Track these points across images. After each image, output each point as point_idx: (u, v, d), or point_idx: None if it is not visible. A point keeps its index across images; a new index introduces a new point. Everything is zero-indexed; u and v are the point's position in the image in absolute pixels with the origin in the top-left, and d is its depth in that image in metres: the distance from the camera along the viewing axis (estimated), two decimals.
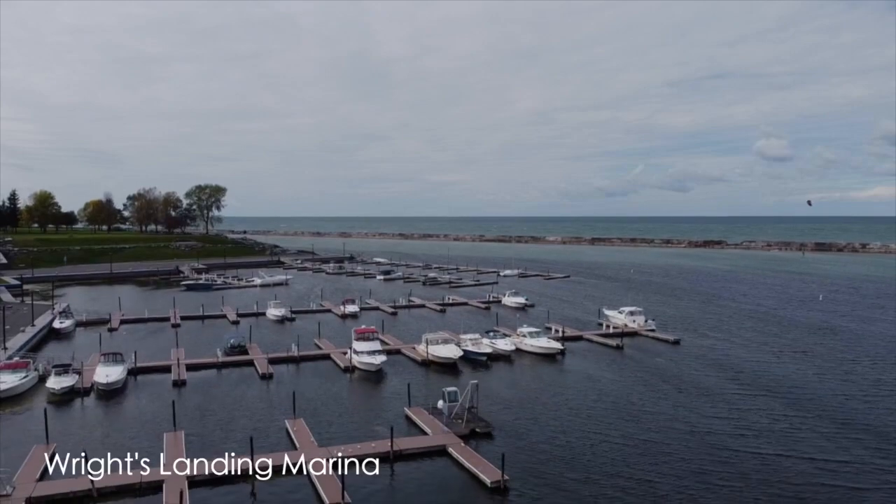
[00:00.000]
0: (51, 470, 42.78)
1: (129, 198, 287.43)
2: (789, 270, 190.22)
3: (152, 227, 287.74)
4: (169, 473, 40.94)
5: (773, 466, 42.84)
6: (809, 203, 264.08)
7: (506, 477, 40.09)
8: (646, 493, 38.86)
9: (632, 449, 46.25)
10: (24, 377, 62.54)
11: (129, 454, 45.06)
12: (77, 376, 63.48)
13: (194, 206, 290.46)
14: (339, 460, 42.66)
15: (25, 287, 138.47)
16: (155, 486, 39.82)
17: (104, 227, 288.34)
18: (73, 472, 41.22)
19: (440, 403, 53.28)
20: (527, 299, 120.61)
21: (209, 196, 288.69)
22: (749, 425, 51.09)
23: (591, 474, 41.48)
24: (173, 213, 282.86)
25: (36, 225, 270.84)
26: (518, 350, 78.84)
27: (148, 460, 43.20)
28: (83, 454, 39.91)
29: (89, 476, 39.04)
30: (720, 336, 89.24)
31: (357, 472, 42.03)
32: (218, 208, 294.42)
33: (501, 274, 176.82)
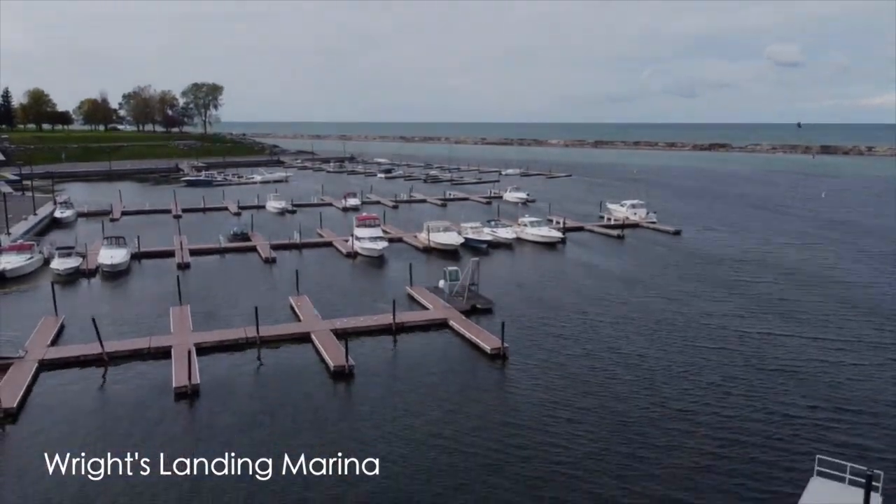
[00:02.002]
0: (62, 337, 43.95)
1: (125, 96, 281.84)
2: (793, 171, 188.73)
3: (150, 126, 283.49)
4: (177, 340, 41.95)
5: (775, 343, 43.80)
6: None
7: (505, 345, 41.04)
8: (642, 367, 39.86)
9: (630, 328, 47.13)
10: (30, 258, 63.14)
11: (137, 326, 46.35)
12: (81, 259, 64.06)
13: (191, 105, 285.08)
14: (344, 330, 43.69)
15: (25, 183, 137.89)
16: (164, 352, 40.87)
17: (101, 127, 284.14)
18: (83, 340, 42.26)
19: (441, 283, 53.94)
20: (528, 195, 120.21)
21: (206, 94, 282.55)
22: (748, 306, 51.89)
23: (588, 349, 42.39)
24: (170, 112, 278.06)
25: (31, 125, 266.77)
26: (519, 239, 79.22)
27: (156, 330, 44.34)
28: (93, 321, 40.66)
29: (99, 342, 39.93)
30: (721, 228, 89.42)
31: (360, 341, 43.07)
32: (215, 107, 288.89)
33: (503, 173, 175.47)
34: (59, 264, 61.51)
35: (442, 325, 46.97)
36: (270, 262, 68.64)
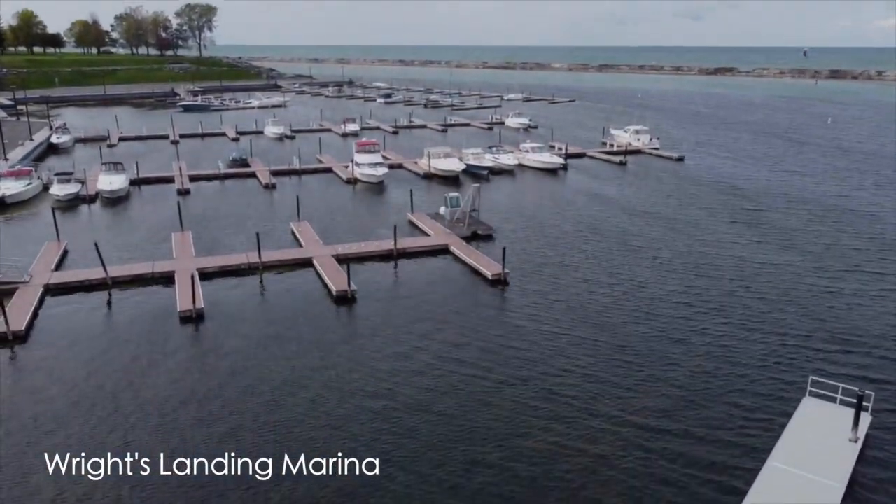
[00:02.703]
0: (65, 262, 44.26)
1: (117, 17, 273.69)
2: (800, 97, 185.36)
3: (143, 49, 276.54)
4: (179, 266, 42.21)
5: (775, 271, 44.08)
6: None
7: (506, 271, 41.31)
8: (642, 293, 40.24)
9: (630, 255, 47.33)
10: (28, 184, 62.80)
11: (139, 251, 46.62)
12: (80, 185, 63.69)
13: (185, 27, 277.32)
14: (345, 256, 43.97)
15: (19, 108, 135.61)
16: (167, 277, 41.21)
17: (93, 50, 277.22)
18: (87, 265, 42.55)
19: (442, 209, 53.85)
20: (530, 120, 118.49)
21: (200, 16, 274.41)
22: (749, 234, 51.97)
23: (588, 276, 42.67)
24: (164, 35, 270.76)
25: (22, 48, 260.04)
26: (520, 165, 78.57)
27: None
28: (95, 246, 40.82)
29: (103, 267, 40.18)
30: (725, 155, 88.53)
31: (361, 267, 43.39)
32: (210, 29, 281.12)
33: (505, 98, 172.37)
34: (58, 190, 61.22)
35: (443, 251, 47.17)
36: (270, 188, 68.33)
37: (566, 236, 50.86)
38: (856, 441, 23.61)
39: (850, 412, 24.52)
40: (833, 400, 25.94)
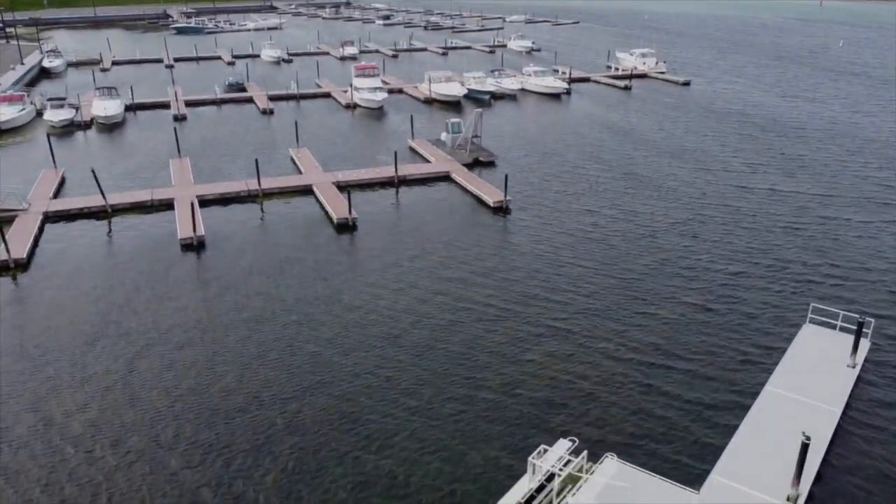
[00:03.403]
0: (63, 190, 43.86)
1: None
2: (812, 19, 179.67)
3: None
4: (178, 193, 41.82)
5: (780, 199, 43.64)
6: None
7: (508, 198, 40.92)
8: (644, 222, 39.95)
9: (633, 183, 46.80)
10: (22, 110, 61.61)
11: (137, 179, 46.14)
12: (75, 110, 62.52)
13: None
14: (346, 183, 43.51)
15: (8, 30, 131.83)
16: (166, 204, 40.90)
17: None
18: (85, 193, 42.17)
19: (443, 135, 52.95)
20: (533, 43, 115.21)
21: None
22: (755, 161, 51.26)
23: (591, 205, 42.29)
24: None
25: None
26: (523, 90, 76.88)
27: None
28: (93, 173, 40.32)
29: (101, 194, 39.81)
30: (733, 79, 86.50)
31: (362, 194, 43.01)
32: None
33: (507, 20, 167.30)
34: (52, 116, 60.07)
35: (444, 178, 46.64)
36: (268, 113, 67.09)
37: (569, 164, 50.17)
38: (854, 367, 23.84)
39: (850, 339, 24.67)
40: (833, 327, 26.08)
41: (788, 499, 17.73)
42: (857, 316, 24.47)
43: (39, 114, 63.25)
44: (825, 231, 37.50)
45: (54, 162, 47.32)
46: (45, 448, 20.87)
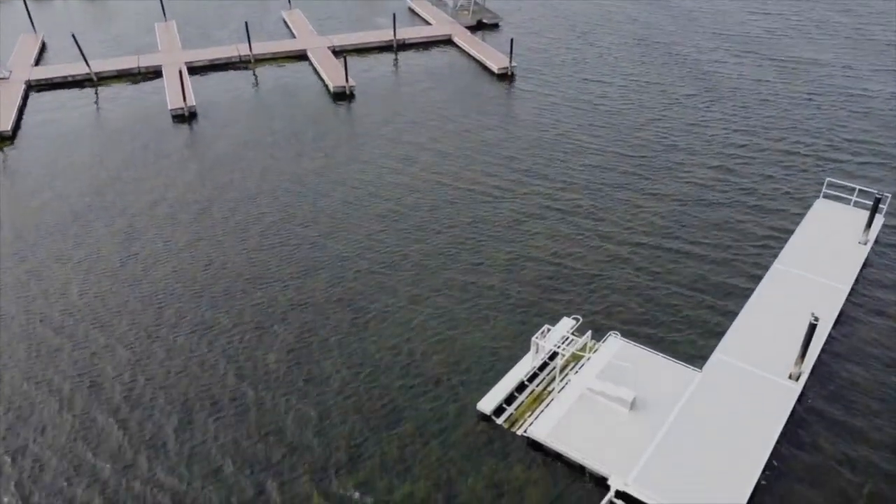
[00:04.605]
0: (44, 57, 41.64)
1: None
2: None
3: None
4: (166, 59, 39.65)
5: (802, 68, 41.33)
6: None
7: (513, 64, 38.81)
8: (655, 92, 38.13)
9: (645, 51, 44.23)
10: None
11: (121, 45, 43.69)
12: None
13: None
14: (342, 48, 41.20)
15: None
16: (154, 71, 38.91)
17: None
18: (68, 59, 40.02)
19: None
20: None
21: None
22: (774, 27, 48.23)
23: (600, 73, 40.24)
24: None
25: None
26: None
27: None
28: (73, 38, 38.04)
29: (85, 61, 37.74)
30: None
31: (359, 59, 40.82)
32: None
33: None
34: None
35: (446, 41, 44.11)
36: None
37: (579, 28, 47.22)
38: (865, 244, 23.32)
39: (864, 214, 23.99)
40: (847, 202, 25.32)
41: (790, 376, 17.78)
42: (873, 191, 23.63)
43: None
44: (845, 103, 35.70)
45: (33, 26, 44.65)
46: (29, 328, 20.86)
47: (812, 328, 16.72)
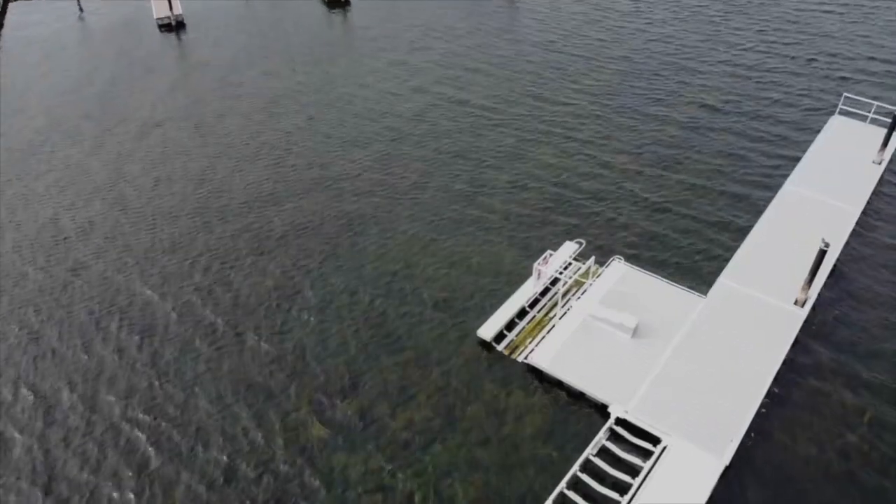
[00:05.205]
0: None
1: None
2: None
3: None
4: None
5: None
6: None
7: None
8: (670, 6, 35.98)
9: None
10: None
11: None
12: None
13: None
14: None
15: None
16: None
17: None
18: None
19: None
20: None
21: None
22: None
23: None
24: None
25: None
26: None
27: None
28: None
29: None
30: None
31: None
32: None
33: None
34: None
35: None
36: None
37: None
38: (880, 163, 22.54)
39: (880, 132, 23.08)
40: (864, 119, 24.33)
41: (796, 302, 17.48)
42: (893, 108, 22.62)
43: None
44: (866, 17, 33.86)
45: None
46: (19, 243, 20.51)
47: (822, 254, 16.26)
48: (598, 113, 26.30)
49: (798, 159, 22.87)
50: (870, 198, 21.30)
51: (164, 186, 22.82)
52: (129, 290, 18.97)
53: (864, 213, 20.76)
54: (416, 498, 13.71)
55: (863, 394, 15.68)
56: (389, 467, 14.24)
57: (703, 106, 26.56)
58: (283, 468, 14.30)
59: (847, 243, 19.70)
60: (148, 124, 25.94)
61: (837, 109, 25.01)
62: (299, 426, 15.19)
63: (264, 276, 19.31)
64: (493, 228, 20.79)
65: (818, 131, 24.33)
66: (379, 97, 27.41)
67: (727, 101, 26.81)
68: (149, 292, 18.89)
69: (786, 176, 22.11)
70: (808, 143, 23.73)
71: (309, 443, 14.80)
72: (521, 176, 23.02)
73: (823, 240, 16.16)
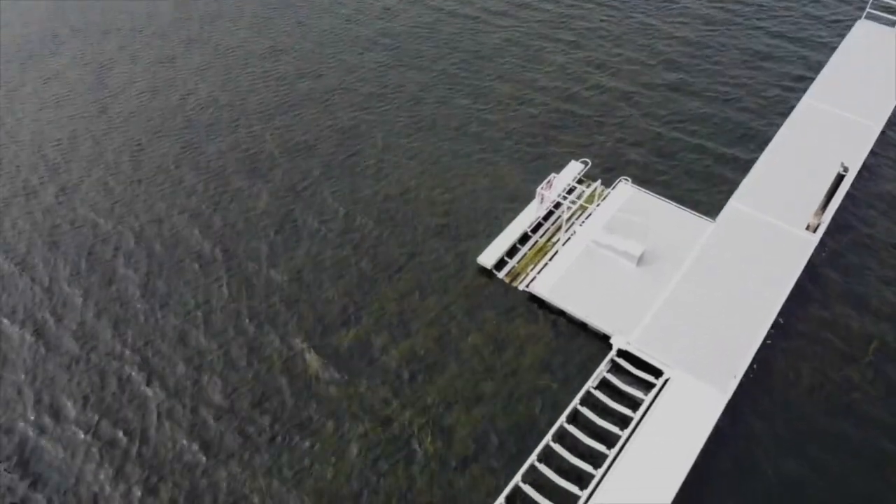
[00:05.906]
0: None
1: None
2: None
3: None
4: None
5: None
6: None
7: None
8: None
9: None
10: None
11: None
12: None
13: None
14: None
15: None
16: None
17: None
18: None
19: None
20: None
21: None
22: None
23: None
24: None
25: None
26: None
27: None
28: None
29: None
30: None
31: None
32: None
33: None
34: None
35: None
36: None
37: None
38: None
39: None
40: (891, 24, 22.78)
41: (808, 227, 16.86)
42: None
43: None
44: None
45: None
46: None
47: (839, 179, 15.49)
48: (604, 21, 24.64)
49: (819, 69, 21.54)
50: (892, 113, 20.18)
51: (148, 98, 21.70)
52: (114, 214, 18.36)
53: (884, 130, 19.72)
54: (415, 428, 13.67)
55: (869, 324, 15.35)
56: (388, 398, 14.14)
57: (720, 9, 24.84)
58: (280, 401, 14.21)
59: (864, 163, 18.82)
60: (135, 31, 24.42)
61: (864, 13, 23.38)
62: (297, 357, 15.00)
63: (256, 198, 18.63)
64: (496, 149, 19.87)
65: (841, 37, 22.84)
66: (374, 9, 25.66)
67: (745, 4, 25.05)
68: (132, 219, 18.29)
69: (806, 86, 20.89)
70: (831, 51, 22.31)
71: (307, 375, 14.65)
72: (523, 93, 21.81)
73: (843, 164, 15.32)
